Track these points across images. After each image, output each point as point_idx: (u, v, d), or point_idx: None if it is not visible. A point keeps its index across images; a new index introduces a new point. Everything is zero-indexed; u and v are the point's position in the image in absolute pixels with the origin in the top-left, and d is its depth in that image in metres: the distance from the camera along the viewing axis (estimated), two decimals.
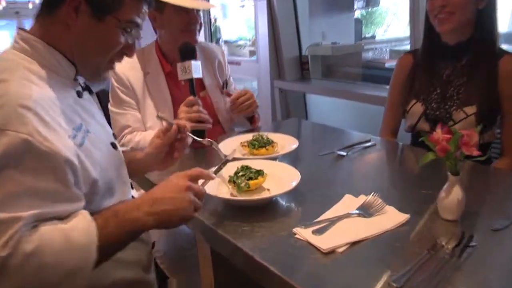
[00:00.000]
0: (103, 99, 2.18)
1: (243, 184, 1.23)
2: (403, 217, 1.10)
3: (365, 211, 1.14)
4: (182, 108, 1.71)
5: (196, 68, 1.72)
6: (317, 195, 1.29)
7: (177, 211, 0.98)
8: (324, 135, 2.01)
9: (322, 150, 1.68)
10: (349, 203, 1.20)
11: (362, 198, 1.21)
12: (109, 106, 1.95)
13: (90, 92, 1.15)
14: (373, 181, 1.42)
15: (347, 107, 3.31)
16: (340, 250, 0.99)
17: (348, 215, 1.12)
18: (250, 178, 1.25)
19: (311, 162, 1.62)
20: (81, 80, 1.10)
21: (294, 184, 1.22)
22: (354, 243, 1.01)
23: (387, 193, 1.24)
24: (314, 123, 2.25)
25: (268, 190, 1.29)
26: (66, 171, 0.87)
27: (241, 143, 1.66)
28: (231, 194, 1.27)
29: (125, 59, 1.99)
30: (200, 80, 1.97)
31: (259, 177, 1.26)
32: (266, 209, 1.21)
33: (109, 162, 1.07)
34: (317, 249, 1.00)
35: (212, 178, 1.14)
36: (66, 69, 1.02)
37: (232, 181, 1.25)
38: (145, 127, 1.93)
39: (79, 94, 1.06)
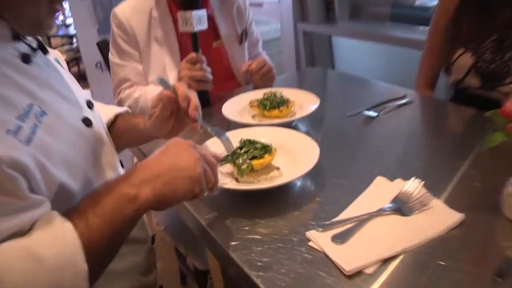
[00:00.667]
0: (104, 51, 1.88)
1: (244, 166, 0.91)
2: (455, 217, 0.78)
3: (403, 205, 0.82)
4: (184, 65, 1.39)
5: (199, 20, 1.36)
6: (341, 176, 0.97)
7: (181, 171, 0.67)
8: (351, 89, 1.64)
9: (349, 109, 1.34)
10: (381, 190, 0.88)
11: (398, 184, 0.88)
12: (109, 55, 1.64)
13: (44, 51, 0.81)
14: (411, 155, 1.07)
15: (376, 51, 2.88)
16: (369, 271, 0.68)
17: (380, 212, 0.80)
18: (254, 157, 0.93)
19: (335, 127, 1.28)
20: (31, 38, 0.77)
21: (309, 167, 0.90)
22: (388, 259, 0.70)
23: (429, 176, 0.90)
24: (340, 74, 1.87)
25: (278, 169, 0.97)
26: (13, 177, 0.56)
27: (250, 102, 1.33)
28: (232, 175, 0.97)
29: (130, 0, 1.68)
30: (214, 28, 1.63)
31: (266, 156, 0.95)
32: (274, 196, 0.90)
33: (80, 149, 0.74)
34: (337, 266, 0.69)
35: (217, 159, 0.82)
36: None
37: (232, 161, 0.94)
38: (147, 81, 1.61)
39: (26, 59, 0.70)
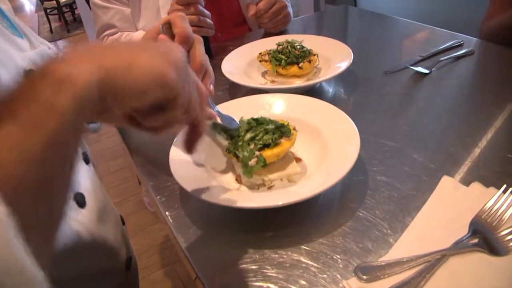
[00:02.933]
0: None
1: (253, 162, 0.61)
2: None
3: (491, 235, 0.52)
4: (174, 7, 1.06)
5: None
6: (388, 172, 0.67)
7: (151, 49, 0.39)
8: (386, 34, 1.28)
9: (387, 63, 1.02)
10: (452, 204, 0.58)
11: (477, 192, 0.58)
12: None
13: None
14: (495, 138, 0.73)
15: None
16: None
17: (456, 249, 0.51)
18: (266, 145, 0.63)
19: (373, 89, 0.94)
20: None
21: (346, 168, 0.58)
22: None
23: None
24: (369, 13, 1.48)
25: (299, 161, 0.68)
26: None
27: (260, 54, 1.00)
28: (231, 168, 0.68)
29: None
30: None
31: (282, 140, 0.64)
32: (291, 208, 0.61)
33: None
34: None
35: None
36: None
37: (233, 152, 0.64)
38: (136, 27, 1.29)
39: None
